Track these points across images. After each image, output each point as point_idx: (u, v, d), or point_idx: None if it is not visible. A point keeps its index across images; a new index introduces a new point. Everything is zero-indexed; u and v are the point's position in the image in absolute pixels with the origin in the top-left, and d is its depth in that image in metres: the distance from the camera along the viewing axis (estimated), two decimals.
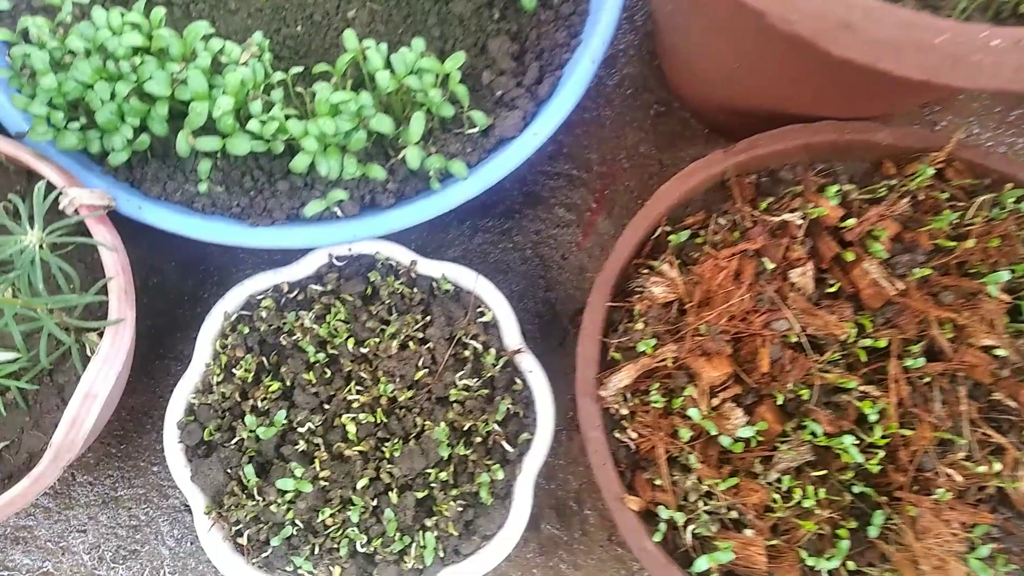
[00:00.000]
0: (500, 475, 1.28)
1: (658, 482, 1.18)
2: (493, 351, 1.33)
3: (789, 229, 1.19)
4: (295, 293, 1.36)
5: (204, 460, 1.30)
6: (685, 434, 1.17)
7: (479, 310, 1.37)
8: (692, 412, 1.16)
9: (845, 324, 1.15)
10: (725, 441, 1.16)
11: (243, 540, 1.25)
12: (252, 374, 1.32)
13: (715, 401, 1.17)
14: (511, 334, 1.35)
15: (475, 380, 1.31)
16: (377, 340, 1.34)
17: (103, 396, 1.10)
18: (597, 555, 1.40)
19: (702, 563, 1.13)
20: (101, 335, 1.12)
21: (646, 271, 1.24)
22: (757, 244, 1.16)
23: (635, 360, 1.20)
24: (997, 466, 1.12)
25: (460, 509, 1.28)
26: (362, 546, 1.23)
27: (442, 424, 1.29)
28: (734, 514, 1.16)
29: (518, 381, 1.34)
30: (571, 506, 1.42)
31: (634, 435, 1.21)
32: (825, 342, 1.16)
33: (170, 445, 1.28)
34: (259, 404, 1.32)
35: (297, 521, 1.25)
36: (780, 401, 1.16)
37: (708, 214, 1.26)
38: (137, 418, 1.48)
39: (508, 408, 1.30)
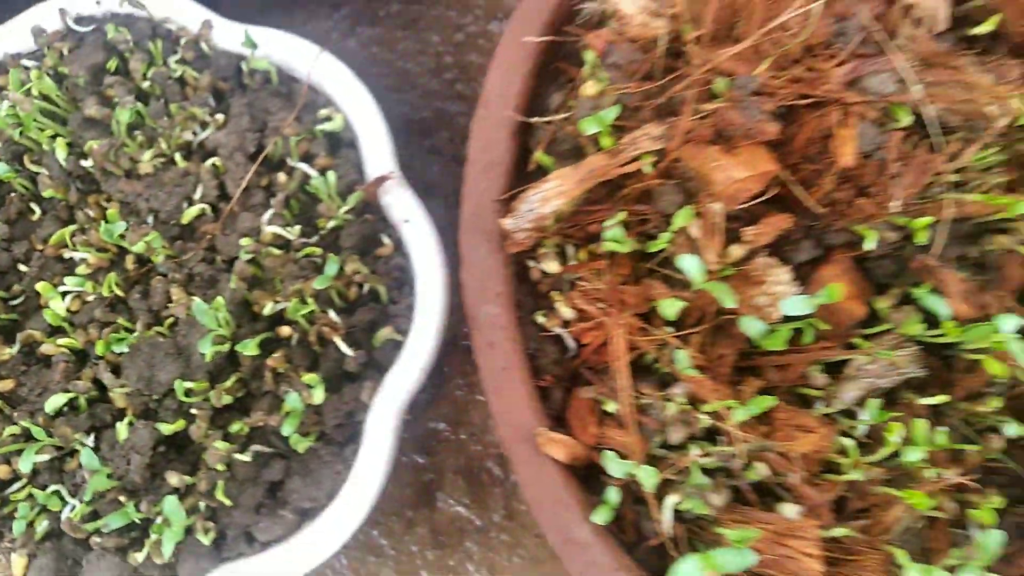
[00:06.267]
0: (319, 396, 0.63)
1: (611, 408, 0.54)
2: (336, 180, 0.68)
3: None
4: None
5: None
6: (670, 309, 0.52)
7: (322, 113, 0.72)
8: (688, 264, 0.51)
9: (1010, 94, 0.52)
10: (752, 328, 0.52)
11: None
12: None
13: (737, 250, 0.54)
14: (379, 157, 0.71)
15: (301, 229, 0.70)
16: (114, 147, 0.68)
17: None
18: (528, 551, 0.82)
19: (689, 569, 0.48)
20: None
21: None
22: None
23: (578, 162, 0.55)
24: None
25: (248, 459, 0.64)
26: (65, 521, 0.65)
27: (219, 300, 0.63)
28: (760, 472, 0.52)
29: (386, 240, 0.69)
30: (489, 470, 0.84)
31: (570, 313, 0.56)
32: (968, 128, 0.53)
33: None
34: None
35: None
36: (871, 244, 0.52)
37: None
38: None
39: (354, 280, 0.65)
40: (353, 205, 0.69)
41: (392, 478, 0.82)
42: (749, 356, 0.56)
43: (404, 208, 0.69)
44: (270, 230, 0.67)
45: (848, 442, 0.54)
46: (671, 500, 0.53)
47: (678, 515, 0.54)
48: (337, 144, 0.73)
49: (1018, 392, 0.56)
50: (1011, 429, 0.54)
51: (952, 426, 0.57)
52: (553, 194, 0.53)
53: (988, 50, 0.57)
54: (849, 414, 0.56)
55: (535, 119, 0.58)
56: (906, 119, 0.53)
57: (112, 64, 0.71)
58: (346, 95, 0.72)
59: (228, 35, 0.73)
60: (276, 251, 0.66)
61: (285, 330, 0.65)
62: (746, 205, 0.53)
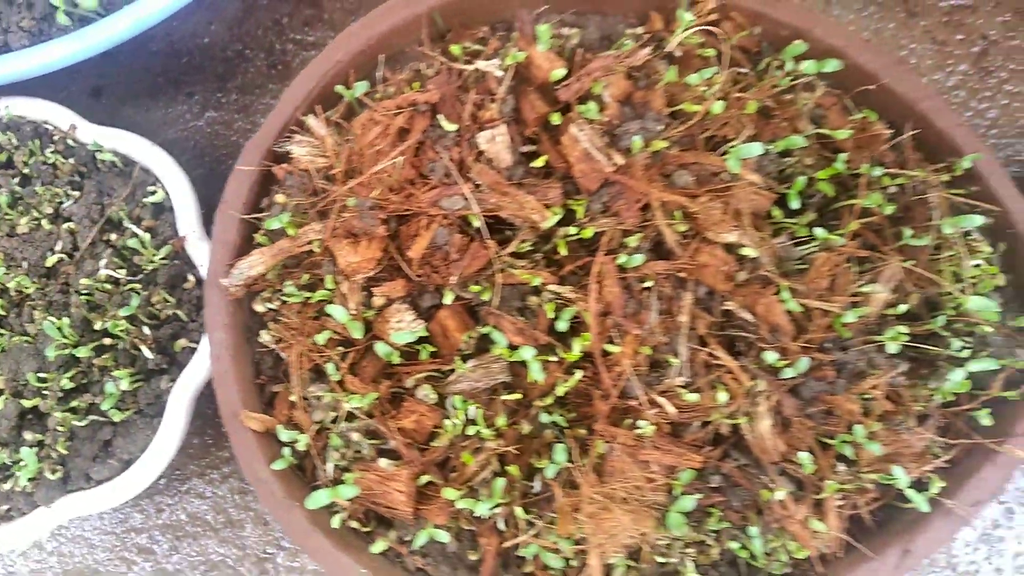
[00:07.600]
0: (126, 385, 0.93)
1: (293, 398, 0.85)
2: (150, 239, 0.99)
3: (487, 82, 0.86)
4: None
5: None
6: (321, 338, 0.83)
7: (150, 188, 1.02)
8: (333, 311, 0.83)
9: (548, 208, 0.82)
10: (381, 350, 0.83)
11: None
12: None
13: (378, 300, 0.84)
14: (188, 220, 1.00)
15: (129, 270, 0.97)
16: None
17: None
18: None
19: (320, 497, 0.80)
20: None
21: (298, 130, 0.90)
22: (432, 96, 0.83)
23: (273, 243, 0.86)
24: (722, 396, 0.81)
25: (83, 424, 0.94)
26: None
27: (64, 320, 0.94)
28: (359, 441, 0.83)
29: (191, 277, 1.00)
30: None
31: (269, 338, 0.87)
32: (521, 229, 0.84)
33: None
34: None
35: None
36: (449, 300, 0.83)
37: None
38: None
39: (159, 307, 0.96)
40: (166, 254, 1.00)
41: (214, 443, 1.14)
42: (392, 366, 0.87)
43: (202, 257, 1.00)
44: (104, 272, 0.97)
45: (451, 422, 0.85)
46: (332, 456, 0.85)
47: (338, 467, 0.86)
48: (161, 210, 1.02)
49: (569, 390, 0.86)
50: (545, 417, 0.85)
51: (524, 414, 0.88)
52: (255, 263, 0.84)
53: (548, 175, 0.88)
54: (452, 404, 0.87)
55: (252, 216, 0.89)
56: (477, 224, 0.83)
57: (2, 157, 1.02)
58: (167, 176, 0.99)
59: (88, 133, 1.03)
60: (109, 286, 0.97)
61: (108, 340, 0.96)
62: (374, 273, 0.83)
